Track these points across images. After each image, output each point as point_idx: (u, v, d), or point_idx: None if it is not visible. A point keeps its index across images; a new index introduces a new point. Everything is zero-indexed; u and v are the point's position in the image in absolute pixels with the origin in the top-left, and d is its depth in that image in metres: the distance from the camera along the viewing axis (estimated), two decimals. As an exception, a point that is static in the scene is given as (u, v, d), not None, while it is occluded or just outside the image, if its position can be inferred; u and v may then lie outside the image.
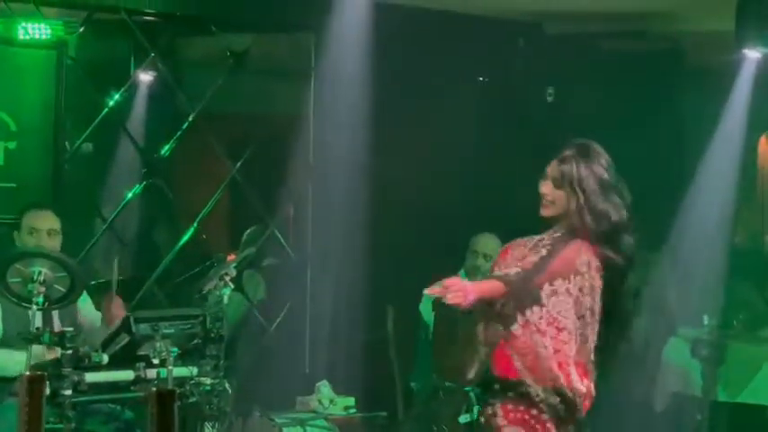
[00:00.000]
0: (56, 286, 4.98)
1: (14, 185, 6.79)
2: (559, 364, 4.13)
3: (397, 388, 6.90)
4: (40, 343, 4.80)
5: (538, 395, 4.13)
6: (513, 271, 4.17)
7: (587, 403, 4.24)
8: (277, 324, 7.45)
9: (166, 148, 7.45)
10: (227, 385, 5.03)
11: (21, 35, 6.75)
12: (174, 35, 7.60)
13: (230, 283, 5.22)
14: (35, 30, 6.76)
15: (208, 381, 4.98)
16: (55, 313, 5.49)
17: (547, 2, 7.61)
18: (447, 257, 6.90)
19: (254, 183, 7.55)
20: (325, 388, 6.68)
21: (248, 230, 7.70)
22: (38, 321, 4.94)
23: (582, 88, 8.01)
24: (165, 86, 7.63)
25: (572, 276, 4.13)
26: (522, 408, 4.15)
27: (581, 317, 4.16)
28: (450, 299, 4.03)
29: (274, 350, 7.35)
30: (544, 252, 4.18)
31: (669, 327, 7.38)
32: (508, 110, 8.02)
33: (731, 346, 7.04)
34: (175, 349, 4.77)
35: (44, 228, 5.61)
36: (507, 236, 4.52)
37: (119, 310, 5.59)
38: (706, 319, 6.92)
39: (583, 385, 4.17)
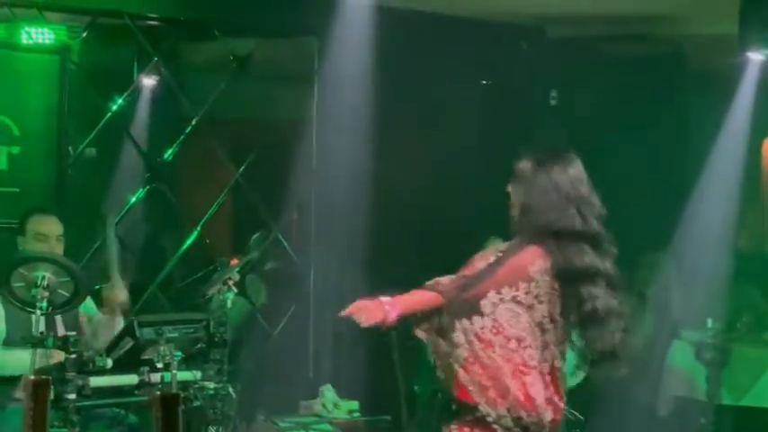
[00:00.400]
0: (59, 291, 4.98)
1: (18, 190, 6.79)
2: (512, 373, 4.00)
3: (401, 391, 6.89)
4: (44, 347, 4.80)
5: (489, 415, 4.01)
6: (445, 279, 4.13)
7: (556, 417, 4.07)
8: (280, 328, 7.45)
9: (169, 152, 7.46)
10: (230, 389, 5.04)
11: (24, 40, 6.77)
12: (177, 40, 7.59)
13: (234, 288, 5.23)
14: (38, 34, 6.77)
15: (212, 385, 4.99)
16: (58, 317, 5.50)
17: (549, 5, 7.61)
18: (450, 261, 6.89)
19: (257, 187, 7.55)
20: (328, 392, 6.68)
21: (254, 236, 7.71)
22: (41, 325, 4.95)
23: (585, 91, 8.01)
24: (168, 91, 7.63)
25: (521, 283, 4.01)
26: (477, 431, 4.05)
27: (538, 323, 4.03)
28: (366, 321, 4.00)
29: (278, 354, 7.35)
30: (492, 259, 4.10)
31: (673, 330, 7.37)
32: (511, 113, 8.02)
33: (735, 350, 7.03)
34: (179, 353, 4.78)
35: (53, 234, 5.65)
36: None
37: (121, 294, 5.58)
38: (710, 323, 6.91)
39: (542, 395, 4.02)
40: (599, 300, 4.01)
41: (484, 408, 4.02)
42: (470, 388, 4.04)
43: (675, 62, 8.32)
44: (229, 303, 5.18)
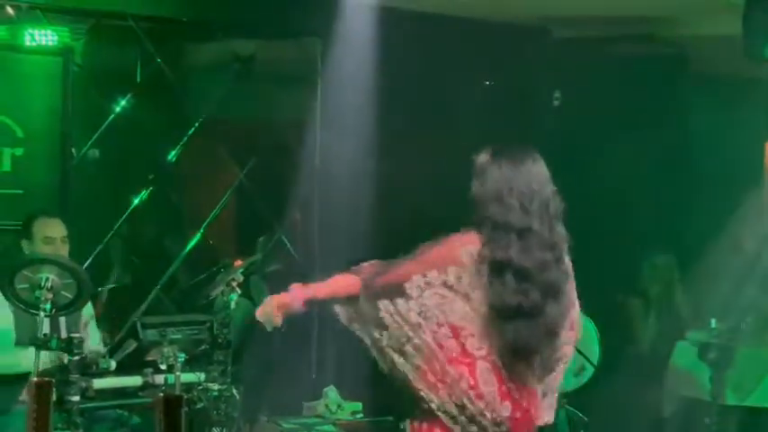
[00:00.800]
0: (63, 293, 4.98)
1: (21, 192, 6.80)
2: (448, 360, 3.80)
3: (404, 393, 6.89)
4: (48, 349, 4.80)
5: (432, 401, 3.82)
6: (367, 263, 4.06)
7: (518, 417, 3.83)
8: (284, 329, 7.44)
9: (173, 153, 7.46)
10: (234, 391, 5.04)
11: (27, 41, 6.78)
12: (180, 41, 7.60)
13: (237, 289, 5.23)
14: (41, 36, 6.79)
15: (215, 386, 4.99)
16: (62, 319, 5.51)
17: (554, 6, 7.61)
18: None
19: (260, 188, 7.55)
20: (332, 393, 6.68)
21: (260, 239, 7.71)
22: (46, 327, 4.95)
23: (589, 92, 8.00)
24: (171, 92, 7.63)
25: (450, 267, 3.87)
26: (425, 425, 3.88)
27: (476, 311, 3.82)
28: (274, 307, 4.01)
29: (281, 355, 7.35)
30: (429, 242, 3.99)
31: (676, 330, 7.36)
32: (514, 114, 8.01)
33: (739, 350, 7.01)
34: (183, 355, 4.78)
35: (59, 236, 5.68)
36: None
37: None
38: (714, 323, 6.90)
39: (493, 385, 3.80)
40: (507, 295, 3.80)
41: (426, 394, 3.84)
42: (409, 374, 3.87)
43: (679, 63, 8.31)
44: (233, 305, 5.18)
